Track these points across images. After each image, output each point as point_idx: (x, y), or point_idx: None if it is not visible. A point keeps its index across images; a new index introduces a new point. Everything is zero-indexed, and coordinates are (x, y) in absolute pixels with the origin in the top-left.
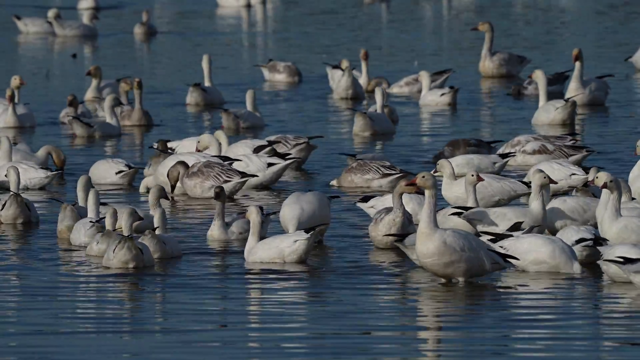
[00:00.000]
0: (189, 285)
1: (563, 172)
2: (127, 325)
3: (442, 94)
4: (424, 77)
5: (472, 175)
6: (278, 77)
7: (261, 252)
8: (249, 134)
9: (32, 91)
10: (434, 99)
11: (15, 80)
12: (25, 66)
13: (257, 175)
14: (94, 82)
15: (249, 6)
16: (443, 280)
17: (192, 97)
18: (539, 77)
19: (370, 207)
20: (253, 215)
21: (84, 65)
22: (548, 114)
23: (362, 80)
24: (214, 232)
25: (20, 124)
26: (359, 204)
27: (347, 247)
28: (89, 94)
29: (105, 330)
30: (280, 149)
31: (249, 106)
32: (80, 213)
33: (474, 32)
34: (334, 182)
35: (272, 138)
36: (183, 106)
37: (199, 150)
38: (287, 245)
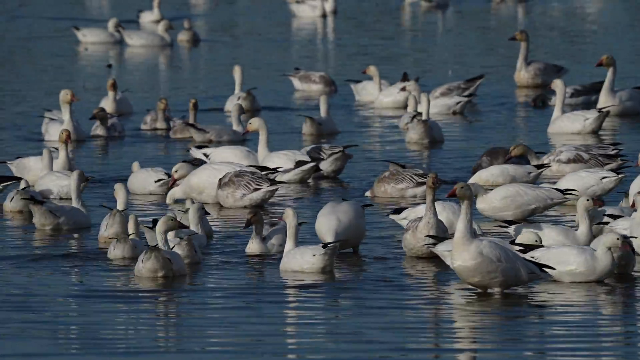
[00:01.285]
0: (223, 296)
1: (593, 177)
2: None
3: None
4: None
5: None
6: (314, 87)
7: (287, 262)
8: (324, 139)
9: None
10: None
11: (66, 95)
12: (82, 77)
13: (285, 182)
14: (111, 94)
15: (324, 16)
16: (479, 291)
17: (243, 103)
18: (558, 86)
19: (403, 219)
20: (290, 218)
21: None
22: (574, 124)
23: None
24: (253, 246)
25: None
26: (392, 217)
27: (380, 257)
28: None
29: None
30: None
31: (323, 112)
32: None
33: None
34: (367, 194)
35: (308, 148)
36: (222, 112)
37: (247, 132)
38: (306, 260)
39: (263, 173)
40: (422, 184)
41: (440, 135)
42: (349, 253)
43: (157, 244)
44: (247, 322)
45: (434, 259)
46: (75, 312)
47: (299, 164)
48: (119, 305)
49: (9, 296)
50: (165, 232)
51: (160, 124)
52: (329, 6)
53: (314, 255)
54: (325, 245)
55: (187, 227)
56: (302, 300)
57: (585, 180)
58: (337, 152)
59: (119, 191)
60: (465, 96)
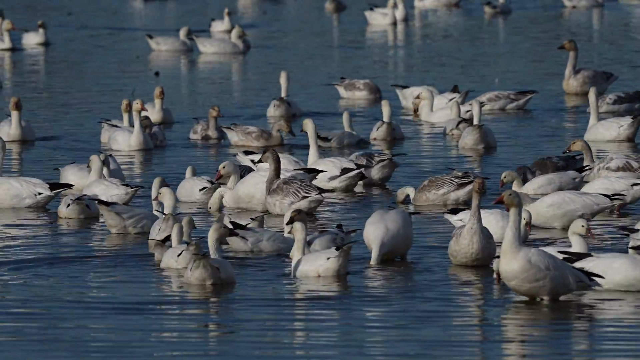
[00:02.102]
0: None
1: (623, 183)
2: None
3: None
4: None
5: (582, 227)
6: (358, 95)
7: (302, 267)
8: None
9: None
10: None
11: (136, 105)
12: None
13: (334, 190)
14: (158, 102)
15: (395, 24)
16: (527, 299)
17: (276, 110)
18: (591, 95)
19: (459, 220)
20: (298, 232)
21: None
22: (610, 131)
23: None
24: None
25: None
26: (447, 216)
27: (426, 265)
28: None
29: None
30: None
31: (346, 127)
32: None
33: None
34: (412, 195)
35: (358, 154)
36: (264, 118)
37: (302, 131)
38: (321, 263)
39: (309, 176)
40: (463, 185)
41: (494, 141)
42: (396, 261)
43: (208, 252)
44: (301, 329)
45: (479, 267)
46: (111, 324)
47: (345, 171)
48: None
49: (63, 302)
50: (217, 240)
51: (212, 132)
52: (399, 14)
53: (327, 259)
54: (338, 248)
55: (237, 234)
56: (351, 309)
57: (615, 186)
58: (384, 160)
59: (165, 195)
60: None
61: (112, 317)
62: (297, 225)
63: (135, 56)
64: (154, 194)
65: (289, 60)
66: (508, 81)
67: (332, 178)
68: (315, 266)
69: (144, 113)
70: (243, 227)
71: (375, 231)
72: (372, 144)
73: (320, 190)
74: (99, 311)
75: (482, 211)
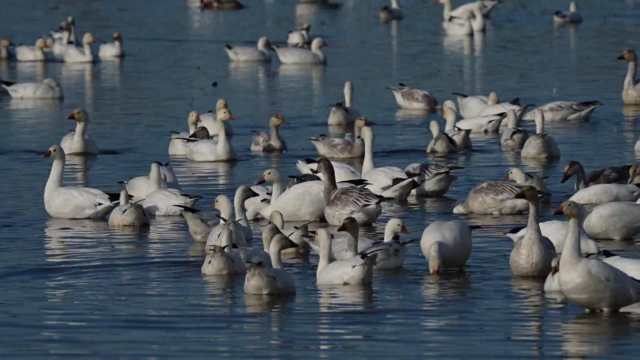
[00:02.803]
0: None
1: (622, 190)
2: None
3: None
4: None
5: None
6: (415, 105)
7: (326, 275)
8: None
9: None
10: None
11: (191, 116)
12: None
13: (393, 198)
14: (192, 120)
15: (471, 34)
16: (587, 310)
17: (334, 117)
18: None
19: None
20: (323, 239)
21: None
22: None
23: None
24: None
25: (232, 155)
26: (509, 234)
27: (484, 276)
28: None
29: None
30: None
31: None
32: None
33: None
34: (458, 209)
35: (415, 165)
36: (326, 126)
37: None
38: (346, 271)
39: (359, 187)
40: (522, 196)
41: (557, 151)
42: (454, 271)
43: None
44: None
45: (540, 278)
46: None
47: (397, 181)
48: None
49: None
50: (279, 251)
51: (275, 142)
52: (476, 24)
53: (353, 267)
54: (364, 256)
55: (297, 246)
56: (407, 322)
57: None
58: (441, 173)
59: (222, 202)
60: (499, 114)
61: (162, 330)
62: (322, 232)
63: (196, 67)
64: (237, 204)
65: (350, 70)
66: (567, 90)
67: (385, 188)
68: (340, 274)
69: (199, 124)
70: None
71: (431, 240)
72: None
73: (380, 199)
74: (154, 324)
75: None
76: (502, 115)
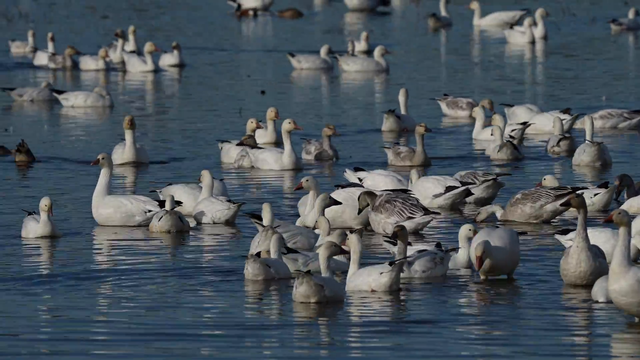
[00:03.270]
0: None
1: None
2: None
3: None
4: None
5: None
6: (460, 114)
7: (354, 280)
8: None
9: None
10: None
11: (251, 124)
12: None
13: (439, 213)
14: (271, 123)
15: (533, 42)
16: (637, 320)
17: (387, 124)
18: None
19: (569, 240)
20: (353, 243)
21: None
22: None
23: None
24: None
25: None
26: (557, 236)
27: (533, 283)
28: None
29: None
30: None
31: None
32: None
33: None
34: (496, 208)
35: (463, 173)
36: (379, 133)
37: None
38: (374, 278)
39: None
40: (561, 196)
41: (610, 158)
42: (503, 280)
43: (309, 269)
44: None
45: (589, 286)
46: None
47: (449, 189)
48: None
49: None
50: (329, 258)
51: (328, 150)
52: (538, 32)
53: (380, 273)
54: (392, 263)
55: (348, 252)
56: (449, 335)
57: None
58: (489, 180)
59: (265, 210)
60: (521, 124)
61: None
62: (352, 237)
63: (246, 75)
64: (311, 213)
65: (403, 76)
66: (621, 98)
67: (437, 196)
68: (368, 281)
69: (262, 134)
70: (294, 251)
71: (479, 247)
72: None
73: (426, 211)
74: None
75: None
76: (526, 124)
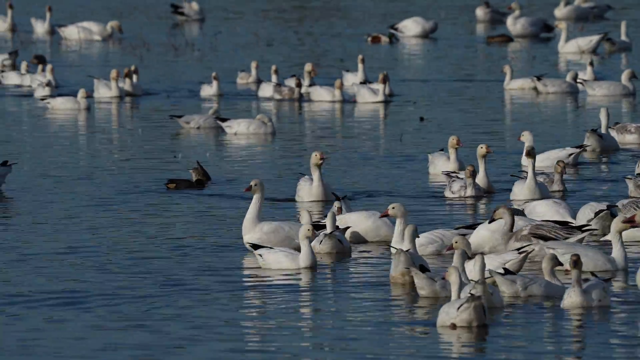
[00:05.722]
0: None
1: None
2: None
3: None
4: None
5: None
6: (628, 138)
7: (440, 316)
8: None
9: None
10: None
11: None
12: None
13: (596, 229)
14: (453, 152)
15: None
16: None
17: (588, 142)
18: None
19: None
20: (453, 277)
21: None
22: None
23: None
24: (574, 298)
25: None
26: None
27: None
28: None
29: None
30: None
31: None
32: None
33: None
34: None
35: (625, 200)
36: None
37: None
38: (454, 313)
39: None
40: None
41: None
42: None
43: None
44: None
45: None
46: None
47: (599, 213)
48: None
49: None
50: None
51: (470, 191)
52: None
53: (458, 308)
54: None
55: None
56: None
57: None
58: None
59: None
60: (578, 146)
61: None
62: (452, 270)
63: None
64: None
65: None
66: None
67: (589, 221)
68: (448, 316)
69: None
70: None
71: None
72: None
73: (584, 230)
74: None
75: None
76: (582, 147)
